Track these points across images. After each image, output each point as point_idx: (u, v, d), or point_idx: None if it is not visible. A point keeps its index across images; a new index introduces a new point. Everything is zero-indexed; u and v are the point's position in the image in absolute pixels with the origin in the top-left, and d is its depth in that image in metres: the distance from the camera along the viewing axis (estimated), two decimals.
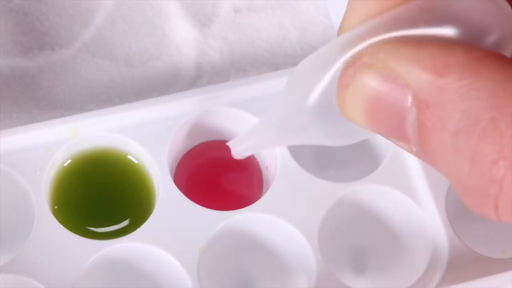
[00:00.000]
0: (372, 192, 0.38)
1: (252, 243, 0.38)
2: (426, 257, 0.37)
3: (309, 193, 0.37)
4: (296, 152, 0.38)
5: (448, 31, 0.23)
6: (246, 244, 0.38)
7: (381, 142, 0.40)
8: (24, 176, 0.37)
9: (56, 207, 0.37)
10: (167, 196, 0.37)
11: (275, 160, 0.38)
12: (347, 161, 0.41)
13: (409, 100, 0.21)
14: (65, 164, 0.38)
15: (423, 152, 0.22)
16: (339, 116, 0.25)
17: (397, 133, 0.22)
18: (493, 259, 0.37)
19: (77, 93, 0.42)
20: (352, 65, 0.23)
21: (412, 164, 0.38)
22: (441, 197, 0.37)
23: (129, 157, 0.38)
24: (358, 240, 0.39)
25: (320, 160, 0.41)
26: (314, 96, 0.26)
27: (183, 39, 0.44)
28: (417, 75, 0.21)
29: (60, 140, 0.37)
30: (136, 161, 0.38)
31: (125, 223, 0.38)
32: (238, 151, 0.32)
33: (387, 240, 0.39)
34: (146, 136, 0.38)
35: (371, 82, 0.22)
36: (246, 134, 0.32)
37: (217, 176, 0.39)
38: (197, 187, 0.39)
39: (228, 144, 0.33)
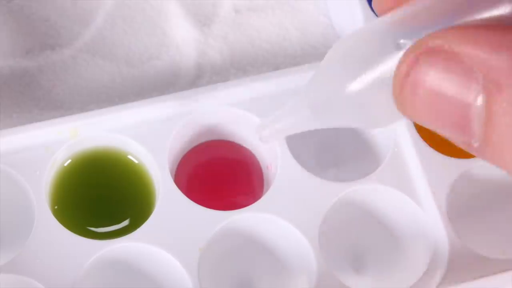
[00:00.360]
0: (372, 192, 0.38)
1: (252, 243, 0.38)
2: (426, 257, 0.37)
3: (309, 193, 0.37)
4: (296, 152, 0.38)
5: (505, 9, 0.21)
6: (246, 244, 0.38)
7: (381, 142, 0.40)
8: (24, 176, 0.37)
9: (56, 207, 0.37)
10: (167, 196, 0.37)
11: (275, 159, 0.38)
12: (347, 161, 0.41)
13: (477, 86, 0.20)
14: (65, 164, 0.38)
15: (487, 145, 0.20)
16: (380, 105, 0.23)
17: (460, 127, 0.21)
18: (493, 259, 0.37)
19: (77, 93, 0.42)
20: (414, 50, 0.21)
21: (412, 164, 0.38)
22: (442, 197, 0.37)
23: (129, 157, 0.38)
24: (358, 240, 0.39)
25: (320, 160, 0.41)
26: (358, 86, 0.24)
27: (183, 39, 0.44)
28: (487, 56, 0.19)
29: (60, 140, 0.37)
30: (136, 161, 0.38)
31: (125, 223, 0.38)
32: (266, 135, 0.30)
33: (387, 240, 0.39)
34: (146, 136, 0.38)
35: (434, 68, 0.20)
36: (276, 115, 0.29)
37: (217, 176, 0.39)
38: (197, 187, 0.39)
39: (255, 128, 0.30)
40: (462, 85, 0.20)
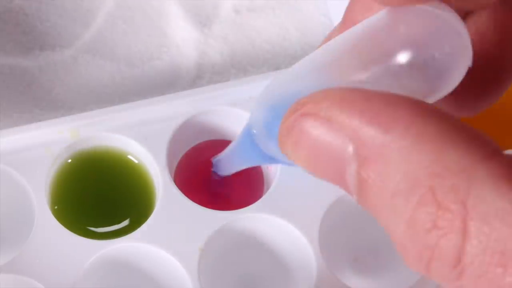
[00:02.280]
0: None
1: (252, 243, 0.38)
2: None
3: (309, 193, 0.37)
4: None
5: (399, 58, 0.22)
6: (246, 244, 0.38)
7: None
8: (24, 176, 0.37)
9: (56, 207, 0.37)
10: (167, 196, 0.37)
11: None
12: None
13: (350, 152, 0.21)
14: (65, 164, 0.38)
15: (363, 203, 0.21)
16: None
17: (338, 182, 0.22)
18: None
19: (78, 93, 0.42)
20: (295, 111, 0.22)
21: None
22: None
23: (129, 157, 0.38)
24: (358, 240, 0.39)
25: None
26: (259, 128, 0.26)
27: (183, 39, 0.44)
28: (360, 129, 0.20)
29: (60, 140, 0.37)
30: (136, 161, 0.38)
31: (125, 223, 0.38)
32: (222, 171, 0.34)
33: (387, 240, 0.39)
34: (146, 136, 0.38)
35: (312, 131, 0.22)
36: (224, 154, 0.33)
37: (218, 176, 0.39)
38: (197, 187, 0.39)
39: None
40: (338, 148, 0.21)
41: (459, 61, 0.23)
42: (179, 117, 0.38)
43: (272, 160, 0.28)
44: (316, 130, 0.22)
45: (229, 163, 0.33)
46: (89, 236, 0.36)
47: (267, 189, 0.38)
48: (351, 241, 0.39)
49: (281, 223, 0.37)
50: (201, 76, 0.43)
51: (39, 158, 0.37)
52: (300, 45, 0.44)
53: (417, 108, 0.20)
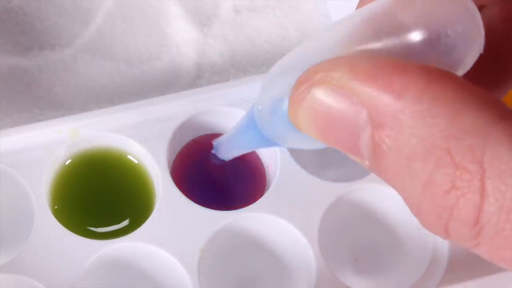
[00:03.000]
0: (372, 192, 0.38)
1: (252, 243, 0.38)
2: (426, 257, 0.37)
3: (309, 193, 0.37)
4: (296, 152, 0.38)
5: (412, 36, 0.22)
6: (246, 244, 0.38)
7: None
8: (24, 176, 0.36)
9: (56, 207, 0.37)
10: (167, 196, 0.37)
11: (275, 160, 0.38)
12: (347, 161, 0.41)
13: (364, 119, 0.21)
14: (65, 164, 0.38)
15: (377, 168, 0.22)
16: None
17: (351, 149, 0.22)
18: None
19: (77, 93, 0.42)
20: (305, 81, 0.22)
21: None
22: None
23: (129, 157, 0.38)
24: (358, 240, 0.39)
25: (320, 160, 0.41)
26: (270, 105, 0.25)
27: (183, 39, 0.44)
28: (373, 95, 0.21)
29: (60, 140, 0.37)
30: (136, 161, 0.38)
31: (125, 223, 0.38)
32: (222, 154, 0.33)
33: (387, 240, 0.39)
34: (146, 136, 0.38)
35: (324, 99, 0.22)
36: (228, 132, 0.32)
37: (218, 176, 0.39)
38: (197, 187, 0.39)
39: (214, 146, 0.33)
40: (351, 115, 0.21)
41: (471, 44, 0.23)
42: (179, 117, 0.38)
43: (271, 143, 0.27)
44: (328, 98, 0.22)
45: (229, 145, 0.33)
46: (89, 236, 0.36)
47: (267, 189, 0.38)
48: (351, 241, 0.39)
49: (281, 223, 0.37)
50: (200, 76, 0.43)
51: (39, 158, 0.37)
52: None
53: (430, 73, 0.20)
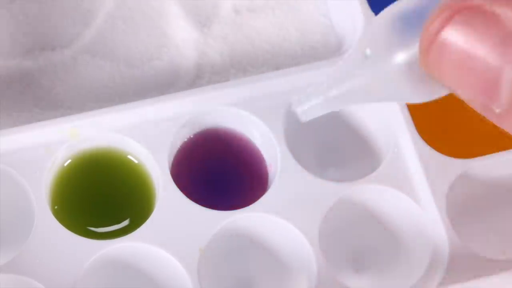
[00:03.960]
0: (372, 192, 0.38)
1: (252, 243, 0.38)
2: (426, 257, 0.37)
3: (309, 193, 0.37)
4: (296, 152, 0.38)
5: None
6: (246, 244, 0.38)
7: (381, 142, 0.40)
8: (24, 176, 0.37)
9: (56, 207, 0.37)
10: (167, 196, 0.37)
11: (275, 159, 0.38)
12: (347, 161, 0.41)
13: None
14: (65, 164, 0.38)
15: (509, 113, 0.19)
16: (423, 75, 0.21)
17: (485, 90, 0.19)
18: (493, 259, 0.37)
19: (78, 93, 0.42)
20: (449, 7, 0.20)
21: (412, 164, 0.38)
22: (441, 197, 0.37)
23: (129, 157, 0.38)
24: (358, 240, 0.39)
25: (320, 160, 0.41)
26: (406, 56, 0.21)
27: (183, 40, 0.44)
28: None
29: (60, 140, 0.37)
30: (136, 161, 0.38)
31: (125, 223, 0.38)
32: (305, 110, 0.27)
33: (387, 240, 0.39)
34: (146, 136, 0.38)
35: (468, 32, 0.19)
36: (317, 86, 0.26)
37: (218, 176, 0.39)
38: (197, 187, 0.39)
39: (292, 102, 0.27)
40: (497, 49, 0.19)
41: None
42: (179, 117, 0.38)
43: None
44: (473, 30, 0.19)
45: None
46: (89, 236, 0.36)
47: (269, 186, 0.38)
48: (351, 241, 0.39)
49: (281, 223, 0.37)
50: (200, 76, 0.43)
51: (39, 158, 0.37)
52: (300, 45, 0.44)
53: None
